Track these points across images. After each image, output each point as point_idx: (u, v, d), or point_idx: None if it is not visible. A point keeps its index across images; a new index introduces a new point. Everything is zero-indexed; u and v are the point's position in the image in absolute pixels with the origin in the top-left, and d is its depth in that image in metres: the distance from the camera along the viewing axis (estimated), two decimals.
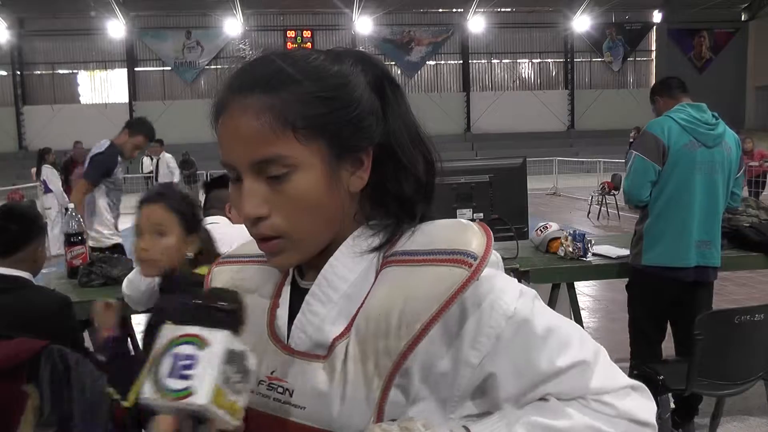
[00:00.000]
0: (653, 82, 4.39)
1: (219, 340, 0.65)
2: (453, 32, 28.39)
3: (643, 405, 0.77)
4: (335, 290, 0.77)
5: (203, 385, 0.62)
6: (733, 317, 2.57)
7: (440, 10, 28.27)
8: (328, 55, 0.78)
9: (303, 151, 0.73)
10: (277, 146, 0.72)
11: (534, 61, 30.05)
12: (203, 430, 0.64)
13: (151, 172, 22.03)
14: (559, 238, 3.45)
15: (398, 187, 0.79)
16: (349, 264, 0.78)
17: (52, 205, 9.60)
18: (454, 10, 27.98)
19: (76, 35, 26.35)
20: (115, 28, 25.90)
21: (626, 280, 3.31)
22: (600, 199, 12.56)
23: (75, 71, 27.54)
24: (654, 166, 3.02)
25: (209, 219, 2.71)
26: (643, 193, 3.07)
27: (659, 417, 2.93)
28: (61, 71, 27.36)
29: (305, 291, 0.79)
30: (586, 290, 6.25)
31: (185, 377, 0.62)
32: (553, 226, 3.63)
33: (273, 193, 0.73)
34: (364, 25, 26.24)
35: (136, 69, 27.63)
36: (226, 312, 0.68)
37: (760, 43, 28.91)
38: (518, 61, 29.92)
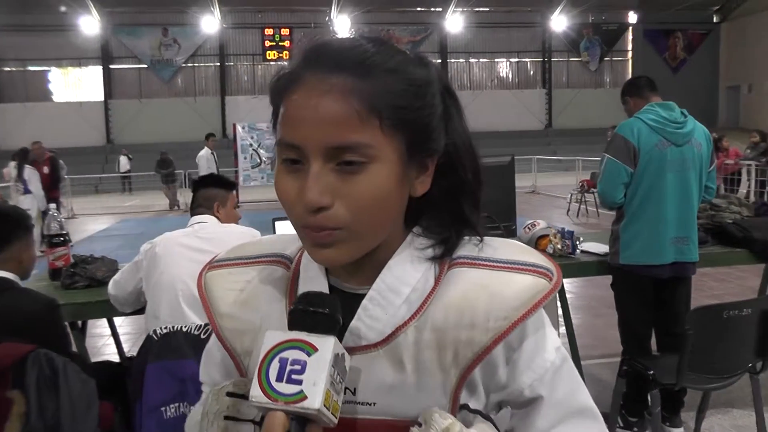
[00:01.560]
0: None
1: (327, 346, 0.66)
2: (431, 31, 28.47)
3: None
4: (397, 295, 0.75)
5: (316, 390, 0.64)
6: (722, 312, 2.60)
7: (418, 9, 28.31)
8: (409, 54, 0.75)
9: (384, 143, 0.69)
10: (361, 133, 0.67)
11: (512, 60, 30.26)
12: (309, 428, 0.66)
13: (128, 171, 21.86)
14: (548, 235, 3.47)
15: (454, 199, 0.78)
16: (409, 269, 0.76)
17: (31, 206, 9.40)
18: (433, 9, 28.05)
19: (48, 31, 25.86)
20: (89, 25, 25.53)
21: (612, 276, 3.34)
22: (579, 197, 12.68)
23: (47, 68, 27.08)
24: (626, 168, 3.05)
25: (197, 218, 2.67)
26: (617, 194, 3.11)
27: (649, 412, 2.96)
28: (32, 68, 26.88)
29: (349, 295, 0.77)
30: (569, 287, 6.27)
31: (296, 382, 0.65)
32: (541, 224, 3.64)
33: (341, 183, 0.68)
34: (342, 23, 26.20)
35: (111, 66, 27.25)
36: (327, 316, 0.68)
37: (731, 44, 29.48)
38: (496, 60, 30.11)
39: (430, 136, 0.73)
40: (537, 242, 3.53)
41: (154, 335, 2.38)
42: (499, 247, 0.79)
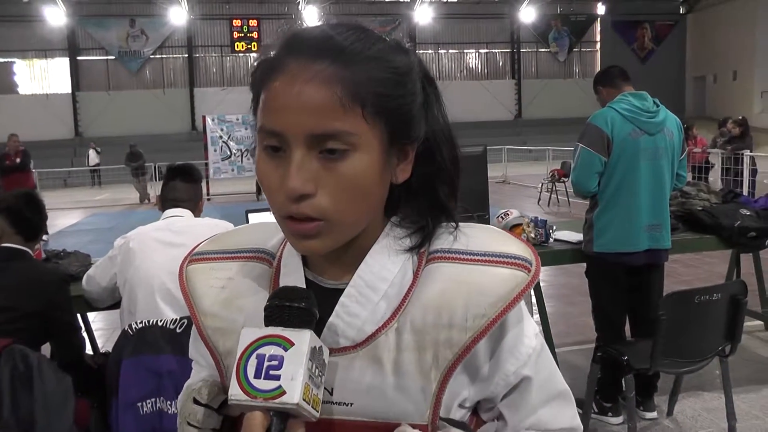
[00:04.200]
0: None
1: (303, 339, 0.66)
2: (400, 22, 28.40)
3: None
4: (374, 291, 0.74)
5: (294, 384, 0.64)
6: (693, 297, 2.66)
7: (387, 0, 28.27)
8: (390, 42, 0.74)
9: (367, 130, 0.68)
10: (344, 121, 0.66)
11: (481, 51, 30.41)
12: (290, 423, 0.66)
13: (97, 164, 21.46)
14: (521, 224, 3.49)
15: (432, 186, 0.78)
16: (386, 263, 0.75)
17: None
18: (401, 0, 28.01)
19: (11, 22, 25.24)
20: (55, 15, 24.98)
21: (585, 264, 3.39)
22: (550, 186, 12.82)
23: (11, 60, 26.45)
24: (600, 158, 3.09)
25: (172, 212, 2.63)
26: (591, 184, 3.15)
27: (623, 397, 3.02)
28: None
29: (328, 291, 0.76)
30: (542, 276, 6.35)
31: (274, 377, 0.65)
32: (514, 213, 3.66)
33: (324, 171, 0.68)
34: (311, 14, 26.00)
35: (78, 58, 26.73)
36: (302, 310, 0.68)
37: (696, 35, 30.04)
38: (465, 51, 30.23)
39: (411, 124, 0.73)
40: (510, 231, 3.56)
41: (129, 330, 2.35)
42: (474, 235, 0.78)
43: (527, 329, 0.78)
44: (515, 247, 0.76)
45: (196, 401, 0.77)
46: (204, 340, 0.82)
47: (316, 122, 0.66)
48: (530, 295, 3.81)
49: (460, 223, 0.80)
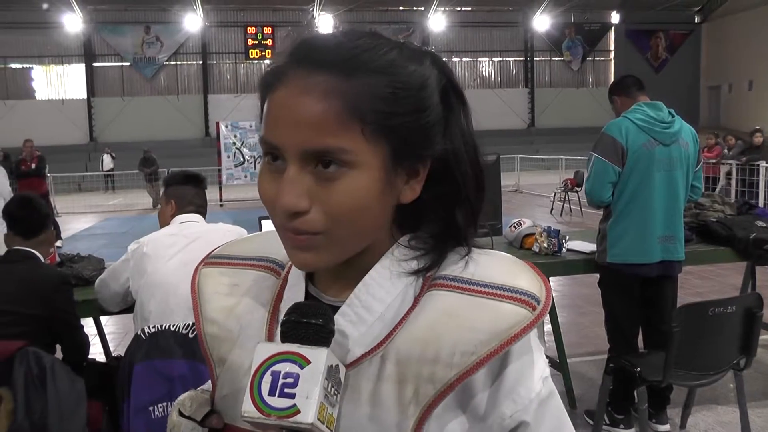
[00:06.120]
0: (612, 81, 4.67)
1: (320, 357, 0.64)
2: (414, 30, 28.47)
3: None
4: (369, 312, 0.70)
5: (309, 403, 0.62)
6: (707, 310, 2.64)
7: (401, 8, 28.36)
8: (405, 50, 0.69)
9: (366, 149, 0.64)
10: (340, 138, 0.63)
11: (494, 59, 30.39)
12: None
13: (111, 169, 21.64)
14: (534, 234, 3.49)
15: (447, 207, 0.72)
16: (386, 284, 0.71)
17: None
18: (415, 8, 28.10)
19: (30, 28, 25.58)
20: (72, 22, 25.28)
21: (598, 274, 3.37)
22: (563, 196, 12.76)
23: (29, 66, 26.77)
24: (613, 167, 3.07)
25: (187, 217, 2.65)
26: (605, 193, 3.13)
27: (635, 409, 2.99)
28: (14, 66, 26.55)
29: (331, 308, 0.71)
30: (554, 285, 6.33)
31: (289, 395, 0.63)
32: (527, 222, 3.66)
33: (319, 187, 0.64)
34: (325, 22, 26.13)
35: (94, 64, 27.00)
36: (319, 327, 0.66)
37: (712, 44, 29.88)
38: (479, 59, 30.23)
39: (421, 142, 0.68)
40: (523, 240, 3.56)
41: (142, 334, 2.37)
42: (484, 264, 0.71)
43: (534, 371, 0.70)
44: (526, 281, 0.69)
45: (180, 413, 0.76)
46: (202, 345, 0.80)
47: (310, 138, 0.63)
48: None
49: (477, 249, 0.73)
